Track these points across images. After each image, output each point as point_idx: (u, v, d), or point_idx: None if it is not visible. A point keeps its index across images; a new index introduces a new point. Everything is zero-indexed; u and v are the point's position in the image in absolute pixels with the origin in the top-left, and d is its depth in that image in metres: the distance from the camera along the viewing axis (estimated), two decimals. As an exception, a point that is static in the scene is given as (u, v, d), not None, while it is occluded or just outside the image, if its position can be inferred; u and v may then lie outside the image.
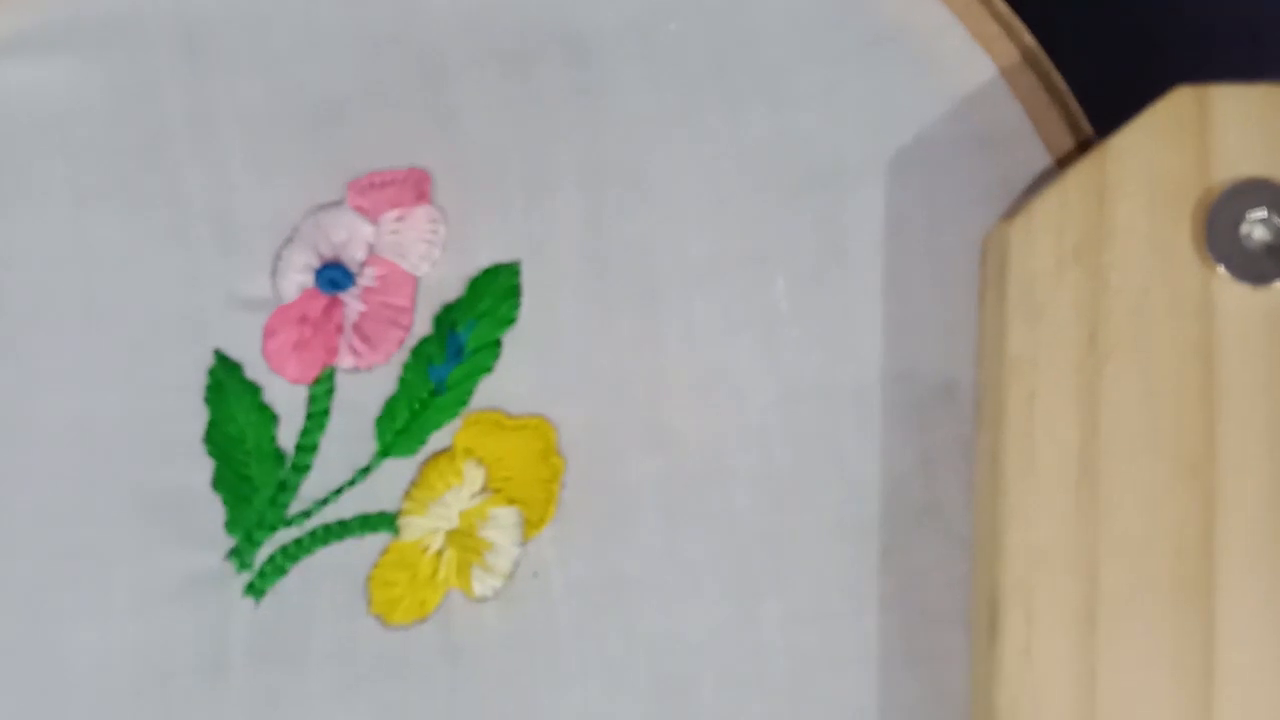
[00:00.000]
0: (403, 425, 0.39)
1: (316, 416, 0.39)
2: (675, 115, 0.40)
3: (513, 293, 0.40)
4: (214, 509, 0.39)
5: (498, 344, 0.39)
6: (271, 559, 0.39)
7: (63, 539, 0.39)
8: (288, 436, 0.39)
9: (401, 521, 0.39)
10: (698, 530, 0.39)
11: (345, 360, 0.40)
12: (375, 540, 0.39)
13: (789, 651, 0.38)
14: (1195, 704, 0.35)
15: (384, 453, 0.39)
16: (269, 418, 0.39)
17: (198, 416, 0.39)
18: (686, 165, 0.40)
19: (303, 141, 0.40)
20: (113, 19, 0.40)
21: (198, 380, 0.40)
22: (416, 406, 0.39)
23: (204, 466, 0.39)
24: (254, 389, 0.40)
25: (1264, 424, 0.36)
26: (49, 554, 0.39)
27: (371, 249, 0.40)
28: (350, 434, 0.39)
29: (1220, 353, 0.36)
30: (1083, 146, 0.39)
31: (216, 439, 0.39)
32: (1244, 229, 0.36)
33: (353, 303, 0.40)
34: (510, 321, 0.39)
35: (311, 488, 0.39)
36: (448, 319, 0.40)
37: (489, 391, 0.39)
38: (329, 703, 0.39)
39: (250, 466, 0.39)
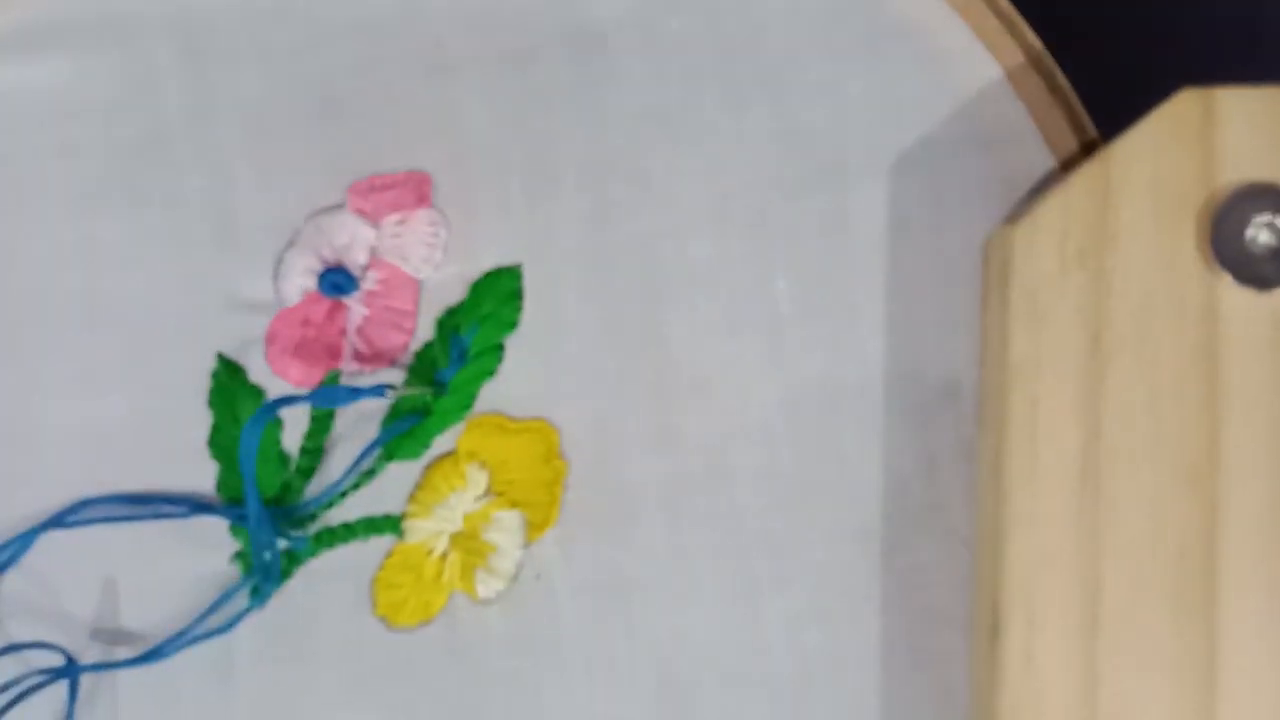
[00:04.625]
0: (407, 429, 0.39)
1: (320, 420, 0.40)
2: (678, 112, 0.40)
3: (514, 296, 0.39)
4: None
5: (500, 347, 0.39)
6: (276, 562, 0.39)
7: (67, 542, 0.39)
8: (292, 440, 0.40)
9: (406, 524, 0.39)
10: (701, 531, 0.39)
11: (349, 364, 0.40)
12: (380, 543, 0.39)
13: (792, 651, 0.38)
14: (1197, 709, 0.35)
15: (388, 456, 0.39)
16: (273, 421, 0.39)
17: (202, 420, 0.40)
18: (689, 163, 0.39)
19: (303, 139, 0.40)
20: (112, 17, 0.40)
21: (201, 383, 0.40)
22: (420, 410, 0.39)
23: (208, 470, 0.39)
24: (257, 392, 0.40)
25: (1267, 429, 0.36)
26: (54, 556, 0.39)
27: (373, 252, 0.40)
28: (354, 437, 0.39)
29: (1224, 358, 0.36)
30: (1086, 148, 0.38)
31: (220, 442, 0.39)
32: (1249, 234, 0.36)
33: (356, 307, 0.40)
34: (512, 325, 0.39)
35: (316, 491, 0.39)
36: (450, 323, 0.40)
37: (492, 395, 0.39)
38: (335, 704, 0.39)
39: (254, 470, 0.39)
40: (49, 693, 0.39)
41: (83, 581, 0.39)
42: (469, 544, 0.39)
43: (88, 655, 0.39)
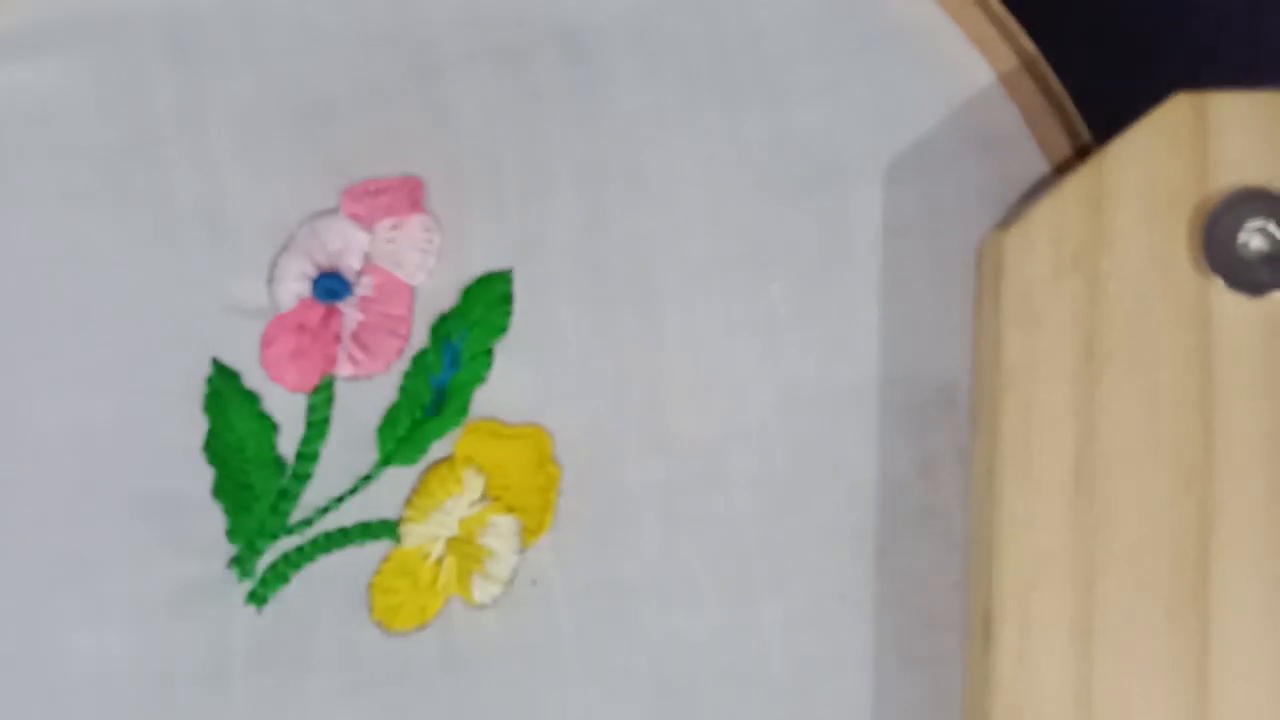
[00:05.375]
0: (405, 434, 0.39)
1: (316, 425, 0.40)
2: (673, 114, 0.40)
3: (504, 301, 0.39)
4: (215, 517, 0.39)
5: (489, 353, 0.39)
6: (273, 567, 0.39)
7: (61, 547, 0.39)
8: (288, 445, 0.40)
9: (402, 529, 0.39)
10: (696, 534, 0.39)
11: (344, 369, 0.40)
12: (376, 548, 0.39)
13: (788, 654, 0.39)
14: (1190, 711, 0.36)
15: (385, 461, 0.39)
16: (268, 426, 0.40)
17: (196, 424, 0.40)
18: (684, 165, 0.39)
19: (295, 141, 0.40)
20: (100, 18, 0.40)
21: (196, 388, 0.40)
22: (418, 415, 0.39)
23: (204, 475, 0.39)
24: (252, 397, 0.40)
25: (1260, 433, 0.36)
26: (47, 562, 0.39)
27: (367, 258, 0.40)
28: (351, 442, 0.40)
29: (1217, 362, 0.36)
30: (1080, 152, 0.38)
31: (216, 447, 0.39)
32: (1242, 238, 0.36)
33: (350, 312, 0.40)
34: (502, 329, 0.39)
35: (313, 496, 0.39)
36: (443, 329, 0.40)
37: (486, 400, 0.39)
38: (331, 710, 0.39)
39: (251, 475, 0.39)
40: (43, 703, 0.39)
41: (72, 587, 0.39)
42: (465, 549, 0.39)
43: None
